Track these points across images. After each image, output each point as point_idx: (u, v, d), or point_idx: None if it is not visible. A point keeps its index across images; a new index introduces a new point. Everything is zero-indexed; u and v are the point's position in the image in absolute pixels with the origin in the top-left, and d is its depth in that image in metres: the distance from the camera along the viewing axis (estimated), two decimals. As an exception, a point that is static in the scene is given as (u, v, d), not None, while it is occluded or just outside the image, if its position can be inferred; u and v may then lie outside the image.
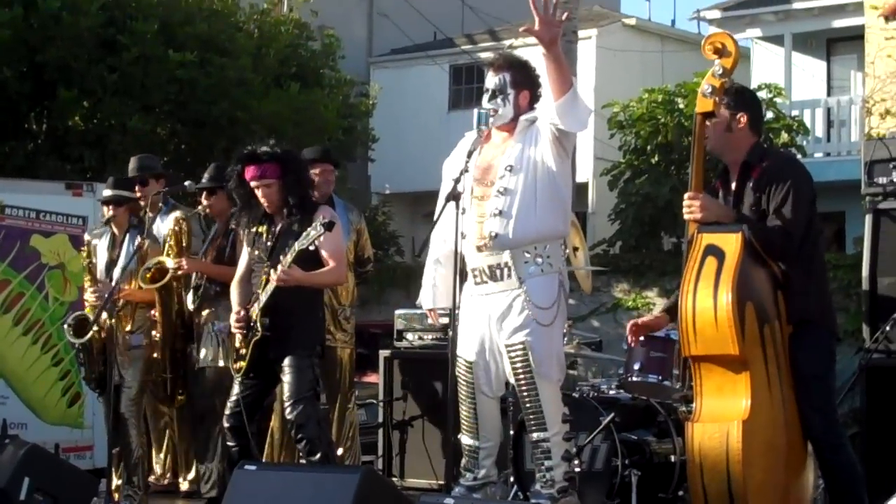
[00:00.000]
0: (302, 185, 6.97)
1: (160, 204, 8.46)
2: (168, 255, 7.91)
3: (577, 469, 6.66)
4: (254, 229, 7.00)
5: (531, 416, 6.28)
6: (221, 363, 7.88)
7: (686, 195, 5.83)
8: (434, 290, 6.65)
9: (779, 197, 5.73)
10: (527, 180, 6.27)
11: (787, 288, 5.73)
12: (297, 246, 6.59)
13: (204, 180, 8.13)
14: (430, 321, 7.03)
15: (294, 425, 6.75)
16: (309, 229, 6.56)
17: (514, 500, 7.09)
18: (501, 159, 6.33)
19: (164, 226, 8.24)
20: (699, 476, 5.53)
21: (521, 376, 6.25)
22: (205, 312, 8.07)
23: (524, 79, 6.42)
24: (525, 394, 6.27)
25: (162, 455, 8.80)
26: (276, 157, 6.91)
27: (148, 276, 7.81)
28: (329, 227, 6.52)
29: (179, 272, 7.87)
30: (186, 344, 8.16)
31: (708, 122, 5.86)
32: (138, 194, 8.29)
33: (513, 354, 6.26)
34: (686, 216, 5.82)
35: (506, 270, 6.30)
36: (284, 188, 6.87)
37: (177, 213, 8.11)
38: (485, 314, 6.34)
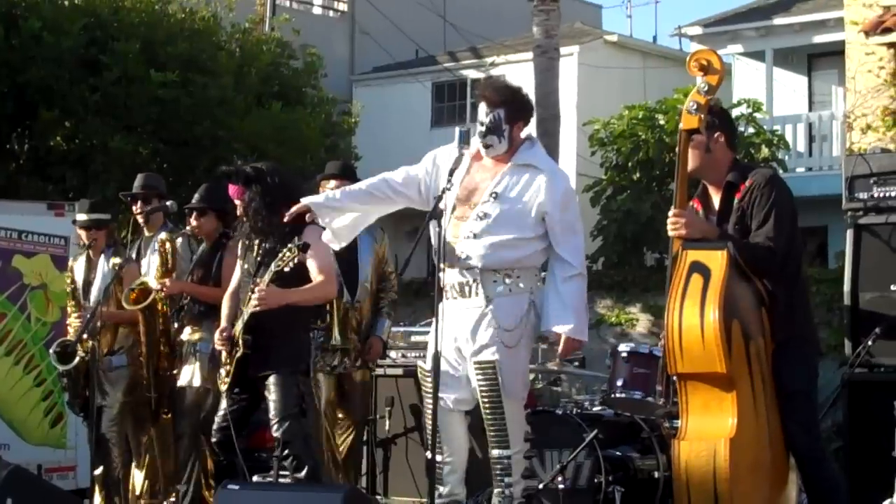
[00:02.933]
0: (277, 201, 6.86)
1: (160, 224, 8.40)
2: (155, 275, 7.87)
3: (561, 486, 6.65)
4: (247, 242, 7.00)
5: (494, 433, 6.30)
6: (198, 383, 7.80)
7: (671, 211, 5.83)
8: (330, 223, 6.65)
9: (762, 214, 5.75)
10: (508, 210, 6.30)
11: (772, 305, 5.74)
12: (272, 267, 6.59)
13: (194, 200, 8.05)
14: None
15: (280, 442, 6.72)
16: (284, 250, 6.55)
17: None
18: (489, 184, 6.35)
19: None
20: (686, 494, 5.53)
21: (486, 394, 6.27)
22: (186, 332, 8.02)
23: (518, 112, 6.43)
24: (489, 411, 6.29)
25: (142, 476, 8.73)
26: (242, 175, 6.91)
27: (132, 296, 7.79)
28: (304, 248, 6.50)
29: (163, 293, 7.83)
30: (171, 363, 8.11)
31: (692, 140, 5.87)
32: (138, 211, 8.28)
33: (479, 372, 6.28)
34: (671, 232, 5.82)
35: (473, 287, 6.34)
36: (255, 206, 6.86)
37: (162, 235, 8.06)
38: (454, 328, 6.34)
